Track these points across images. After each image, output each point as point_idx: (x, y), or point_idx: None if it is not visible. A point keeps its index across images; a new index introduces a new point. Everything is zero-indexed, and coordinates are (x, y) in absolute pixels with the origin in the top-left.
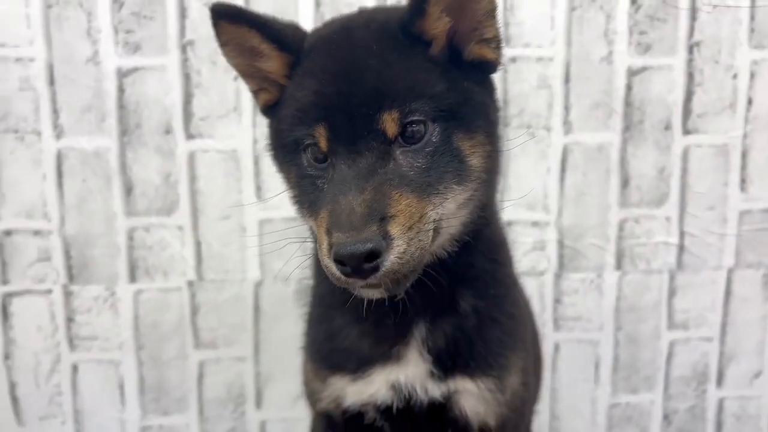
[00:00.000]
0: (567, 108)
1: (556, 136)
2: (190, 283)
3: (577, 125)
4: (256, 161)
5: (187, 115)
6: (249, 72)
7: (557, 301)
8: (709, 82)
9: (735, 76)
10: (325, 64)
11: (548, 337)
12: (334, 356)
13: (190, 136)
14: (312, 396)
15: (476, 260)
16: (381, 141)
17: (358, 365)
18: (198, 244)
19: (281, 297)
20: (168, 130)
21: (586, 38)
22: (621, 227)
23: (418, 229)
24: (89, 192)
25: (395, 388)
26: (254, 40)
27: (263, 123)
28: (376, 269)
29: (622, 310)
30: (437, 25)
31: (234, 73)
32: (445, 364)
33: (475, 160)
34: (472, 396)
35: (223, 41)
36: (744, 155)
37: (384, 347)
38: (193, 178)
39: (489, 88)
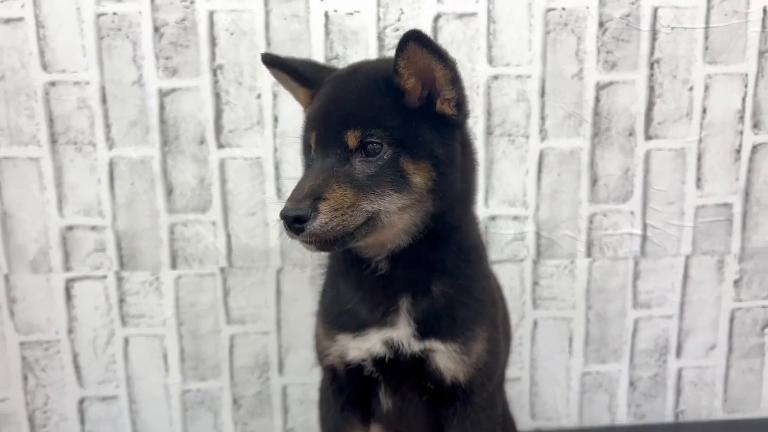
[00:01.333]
0: (543, 118)
1: (533, 143)
2: (222, 270)
3: (551, 133)
4: (277, 167)
5: (218, 128)
6: (294, 96)
7: (535, 284)
8: (668, 94)
9: (691, 89)
10: (325, 95)
11: (528, 315)
12: (340, 318)
13: (220, 146)
14: (321, 353)
15: (447, 258)
16: (344, 150)
17: (359, 326)
18: (228, 237)
19: (299, 282)
20: (202, 141)
21: (560, 57)
22: (591, 220)
23: (344, 212)
24: (136, 193)
25: (387, 343)
26: (288, 78)
27: (282, 135)
28: (301, 230)
29: (592, 291)
30: (408, 82)
31: (257, 92)
32: (423, 329)
33: (417, 179)
34: (442, 354)
35: (276, 78)
36: (699, 158)
37: (378, 314)
38: (223, 181)
39: (446, 134)
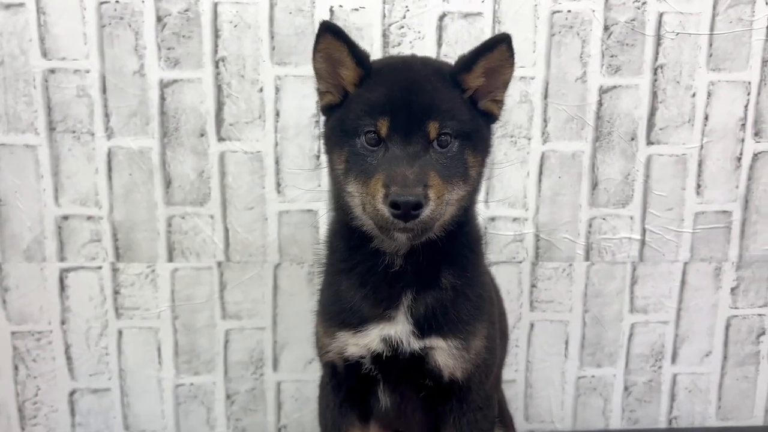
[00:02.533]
0: (545, 120)
1: (535, 145)
2: (219, 264)
3: (553, 135)
4: (277, 161)
5: (219, 120)
6: (326, 76)
7: (533, 286)
8: (671, 100)
9: (694, 95)
10: (393, 80)
11: (524, 317)
12: (340, 315)
13: (221, 138)
14: (322, 349)
15: (458, 249)
16: (425, 139)
17: (359, 322)
18: (226, 231)
19: (296, 277)
20: (202, 133)
21: (564, 60)
22: (590, 224)
23: (441, 200)
24: (134, 184)
25: (385, 340)
26: (343, 53)
27: (283, 129)
28: (416, 216)
29: (590, 295)
30: (475, 81)
31: (259, 85)
32: (423, 326)
33: (473, 171)
34: (443, 351)
35: (320, 48)
36: (700, 164)
37: (379, 310)
38: (223, 175)
39: (489, 130)
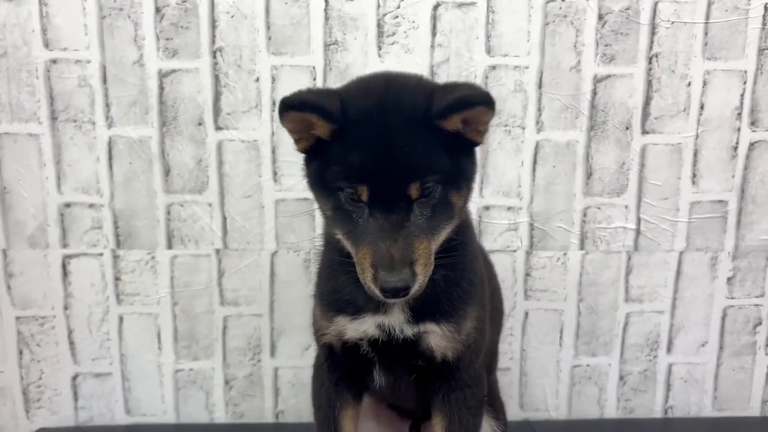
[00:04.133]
0: (540, 109)
1: (529, 134)
2: (218, 251)
3: (548, 124)
4: (274, 150)
5: (216, 110)
6: (298, 133)
7: (527, 275)
8: (666, 89)
9: (689, 84)
10: (368, 141)
11: (519, 306)
12: (339, 303)
13: (218, 127)
14: (319, 332)
15: (451, 246)
16: (406, 202)
17: (356, 311)
18: (224, 219)
19: (293, 265)
20: (200, 123)
21: (558, 49)
22: (585, 213)
23: (428, 263)
24: (134, 173)
25: (381, 327)
26: (312, 118)
27: (279, 119)
28: (405, 295)
29: (584, 284)
30: (452, 126)
31: (256, 75)
32: (418, 315)
33: (459, 204)
34: (436, 335)
35: (286, 122)
36: (696, 153)
37: (374, 303)
38: (220, 163)
39: (472, 155)
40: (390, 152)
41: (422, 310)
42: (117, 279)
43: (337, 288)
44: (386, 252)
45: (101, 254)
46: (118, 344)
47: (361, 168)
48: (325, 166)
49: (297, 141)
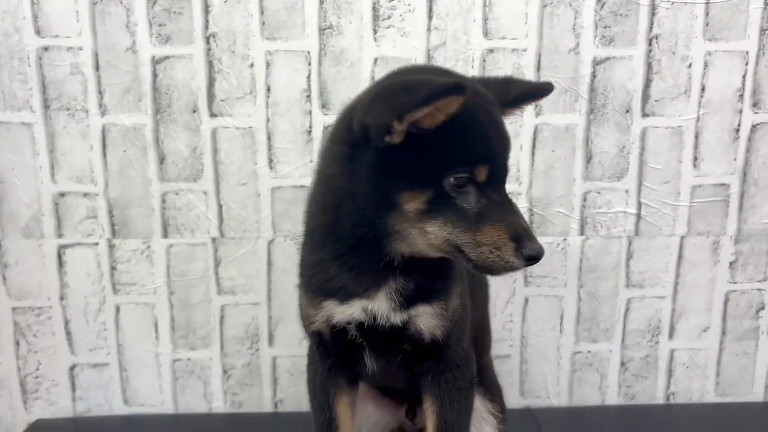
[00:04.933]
0: None
1: (527, 118)
2: (214, 240)
3: (546, 108)
4: (269, 137)
5: (211, 96)
6: (409, 123)
7: None
8: (666, 71)
9: (690, 66)
10: (488, 126)
11: (519, 292)
12: (326, 289)
13: (213, 114)
14: (308, 319)
15: None
16: (505, 179)
17: (344, 297)
18: (220, 207)
19: (290, 253)
20: (194, 110)
21: (556, 32)
22: (584, 198)
23: None
24: (129, 161)
25: (368, 312)
26: (456, 107)
27: (274, 104)
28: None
29: (585, 270)
30: (513, 112)
31: (250, 61)
32: (407, 303)
33: None
34: (428, 315)
35: (441, 106)
36: (696, 136)
37: (361, 290)
38: (215, 151)
39: None
40: (501, 134)
41: (410, 296)
42: (113, 269)
43: (327, 275)
44: (521, 224)
45: (97, 244)
46: (115, 334)
47: (483, 150)
48: (425, 158)
49: (393, 134)
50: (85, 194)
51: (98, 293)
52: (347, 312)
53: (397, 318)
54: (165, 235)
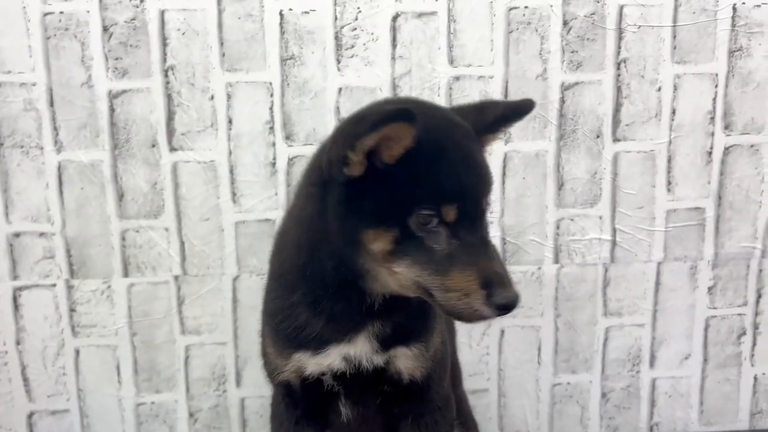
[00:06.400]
0: None
1: (497, 145)
2: (176, 278)
3: (515, 135)
4: (231, 170)
5: (170, 130)
6: (363, 154)
7: None
8: (636, 95)
9: (659, 89)
10: (460, 160)
11: (494, 324)
12: (297, 338)
13: (173, 149)
14: (274, 371)
15: None
16: (483, 216)
17: (318, 345)
18: (182, 244)
19: (256, 289)
20: (153, 144)
21: (523, 58)
22: (558, 225)
23: None
24: (86, 198)
25: (347, 359)
26: (406, 134)
27: (236, 137)
28: (513, 309)
29: (561, 299)
30: (493, 140)
31: (210, 93)
32: (387, 343)
33: None
34: (406, 357)
35: (385, 133)
36: (669, 160)
37: (340, 335)
38: (176, 186)
39: None
40: (475, 168)
41: (390, 335)
42: (72, 310)
43: (298, 321)
44: (493, 269)
45: (54, 285)
46: (75, 379)
47: (449, 186)
48: (388, 195)
49: (350, 165)
50: (42, 234)
51: (57, 336)
52: (323, 362)
53: (379, 359)
54: (125, 274)
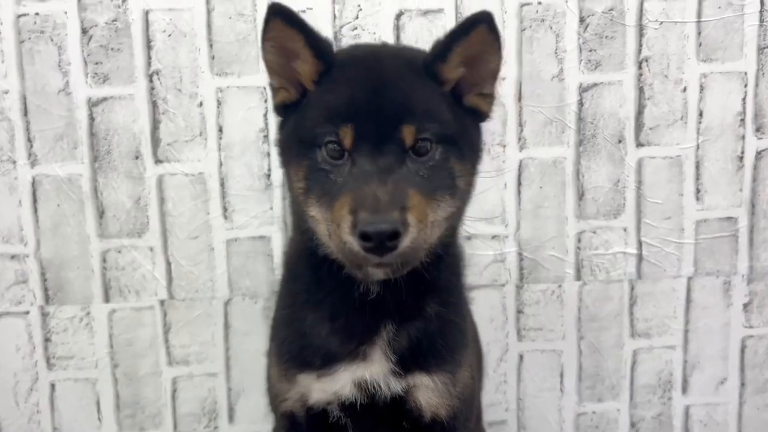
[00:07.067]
0: (521, 125)
1: (511, 152)
2: (162, 302)
3: (531, 141)
4: (222, 183)
5: (155, 140)
6: (279, 70)
7: (519, 311)
8: (660, 96)
9: (684, 90)
10: (357, 77)
11: (512, 348)
12: (302, 354)
13: (158, 160)
14: (277, 398)
15: (443, 273)
16: (399, 147)
17: (324, 362)
18: (168, 264)
19: (250, 314)
20: (137, 156)
21: (537, 57)
22: (579, 238)
23: (425, 224)
24: (63, 216)
25: (360, 385)
26: (298, 43)
27: (228, 147)
28: (393, 248)
29: (584, 319)
30: (453, 71)
31: (199, 99)
32: (406, 362)
33: (461, 182)
34: (428, 389)
35: (269, 37)
36: (698, 166)
37: (351, 346)
38: (162, 201)
39: (479, 130)
40: (381, 89)
41: (413, 355)
42: (47, 340)
43: (302, 330)
44: (371, 192)
45: (27, 312)
46: (50, 417)
47: (348, 106)
48: (303, 118)
49: (275, 91)
50: (13, 256)
51: (30, 369)
52: (330, 389)
53: (396, 386)
54: (106, 299)
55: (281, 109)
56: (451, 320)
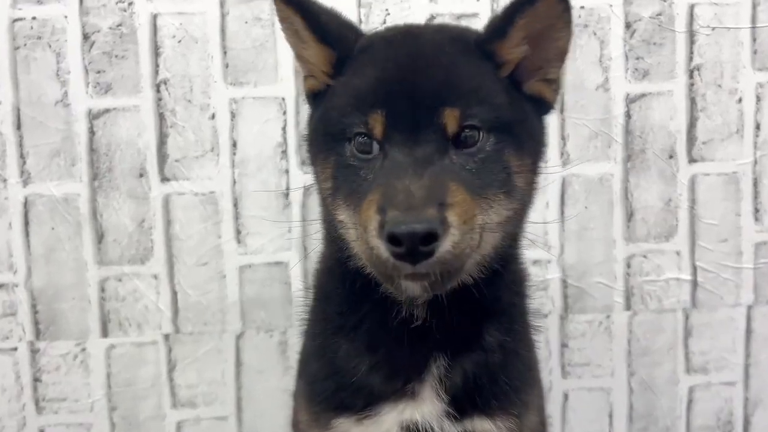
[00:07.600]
0: (564, 138)
1: (553, 168)
2: (167, 337)
3: (575, 156)
4: (236, 203)
5: (162, 156)
6: (300, 55)
7: (564, 345)
8: (713, 107)
9: (740, 100)
10: (389, 57)
11: (556, 386)
12: (338, 394)
13: (164, 178)
14: None
15: (504, 293)
16: (440, 135)
17: (366, 403)
18: (174, 294)
19: (264, 349)
20: (141, 173)
21: (580, 65)
22: (628, 263)
23: (471, 225)
24: (58, 241)
25: (409, 429)
26: (298, 24)
27: (242, 163)
28: (430, 254)
29: (635, 353)
30: (514, 51)
31: (211, 111)
32: (463, 403)
33: (520, 181)
34: None
35: (280, 18)
36: (755, 183)
37: (396, 384)
38: (168, 223)
39: (541, 121)
40: (417, 66)
41: (470, 395)
42: (36, 380)
43: (336, 366)
44: (402, 187)
45: (15, 349)
46: None
47: (376, 89)
48: (328, 109)
49: (305, 78)
50: (1, 286)
51: (16, 413)
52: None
53: (452, 431)
54: (104, 333)
55: (311, 98)
56: (516, 352)
